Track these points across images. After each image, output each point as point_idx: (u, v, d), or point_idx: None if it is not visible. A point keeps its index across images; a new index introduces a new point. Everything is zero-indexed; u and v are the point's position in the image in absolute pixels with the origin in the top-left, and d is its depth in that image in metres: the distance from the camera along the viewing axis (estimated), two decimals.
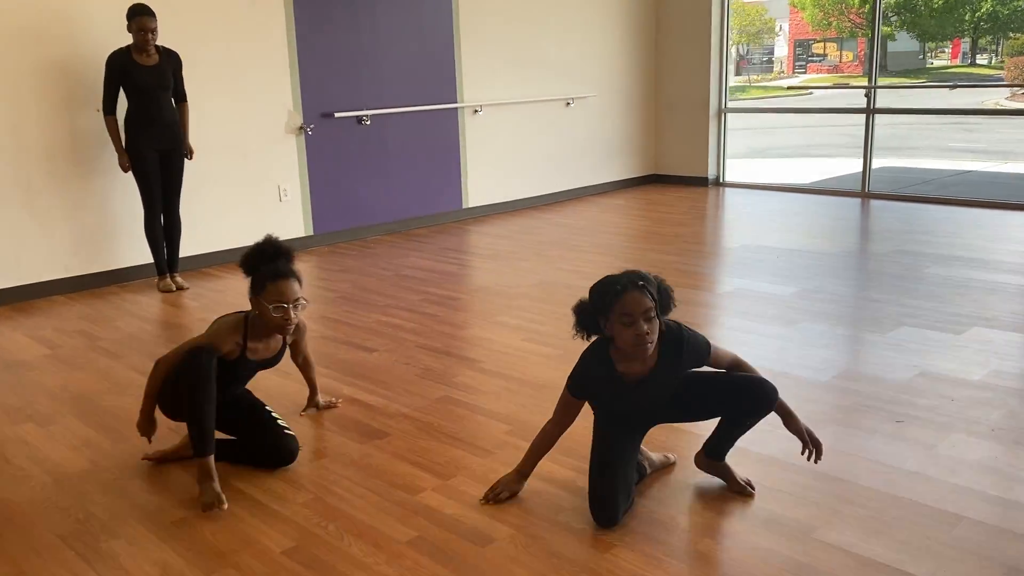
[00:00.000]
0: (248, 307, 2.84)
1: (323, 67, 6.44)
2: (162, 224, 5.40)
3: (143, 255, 5.56)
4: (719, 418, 2.65)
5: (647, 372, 2.44)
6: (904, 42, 35.31)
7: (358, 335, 4.35)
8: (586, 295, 2.44)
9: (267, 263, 2.77)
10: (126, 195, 5.47)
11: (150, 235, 5.35)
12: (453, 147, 7.43)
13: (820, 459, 2.55)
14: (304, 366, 3.27)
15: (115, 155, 5.27)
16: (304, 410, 3.35)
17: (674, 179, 9.20)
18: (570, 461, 2.84)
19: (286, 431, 2.94)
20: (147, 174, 5.23)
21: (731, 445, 2.66)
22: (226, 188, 6.05)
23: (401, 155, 7.06)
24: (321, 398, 3.40)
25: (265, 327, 2.81)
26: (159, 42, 5.18)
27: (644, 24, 8.86)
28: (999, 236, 6.23)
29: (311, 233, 6.60)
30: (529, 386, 3.58)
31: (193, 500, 2.68)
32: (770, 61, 43.98)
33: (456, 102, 7.36)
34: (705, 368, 2.55)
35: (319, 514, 2.60)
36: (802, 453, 2.55)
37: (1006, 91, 23.75)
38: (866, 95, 7.81)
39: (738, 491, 2.64)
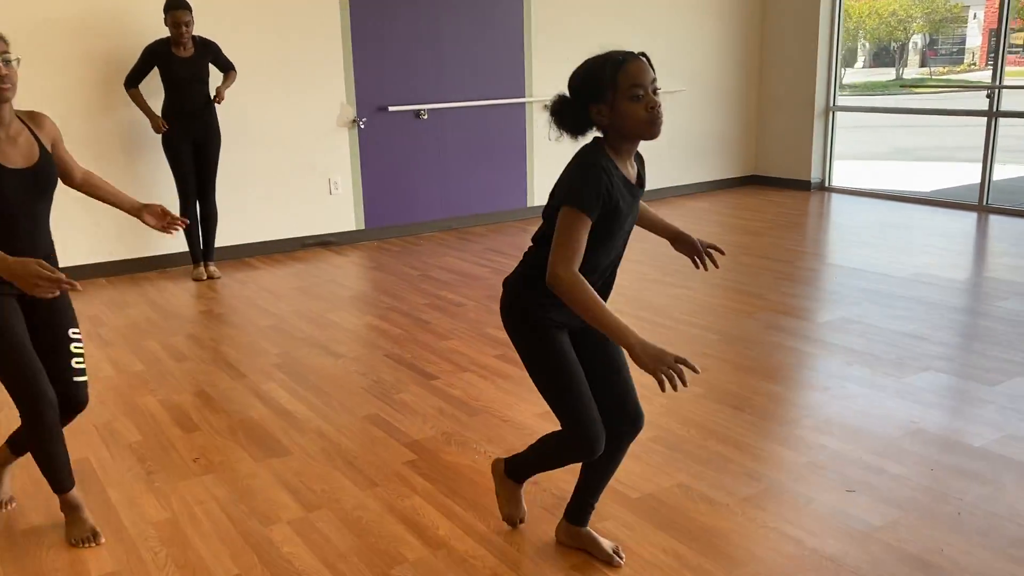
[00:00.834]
0: None
1: (379, 59, 6.37)
2: (198, 214, 5.52)
3: (183, 243, 5.71)
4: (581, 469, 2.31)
5: (636, 179, 2.07)
6: None
7: (336, 338, 4.24)
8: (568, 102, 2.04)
9: None
10: (169, 185, 5.62)
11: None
12: (519, 143, 7.19)
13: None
14: (92, 185, 2.66)
15: (157, 144, 5.43)
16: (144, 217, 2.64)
17: (775, 181, 8.53)
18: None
19: (76, 378, 2.49)
20: (181, 164, 5.35)
21: (594, 500, 2.33)
22: (275, 180, 6.11)
23: (460, 151, 6.90)
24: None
25: None
26: (198, 32, 5.31)
27: (747, 15, 8.23)
28: None
29: (362, 227, 6.57)
30: (467, 411, 3.34)
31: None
32: (960, 52, 40.52)
33: (524, 96, 7.11)
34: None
35: (161, 537, 2.50)
36: (698, 267, 2.32)
37: None
38: (988, 96, 6.88)
39: (606, 560, 2.31)
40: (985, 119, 6.97)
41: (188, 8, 5.14)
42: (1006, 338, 3.95)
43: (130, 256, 5.71)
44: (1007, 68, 6.94)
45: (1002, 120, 6.93)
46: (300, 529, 2.52)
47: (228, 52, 5.52)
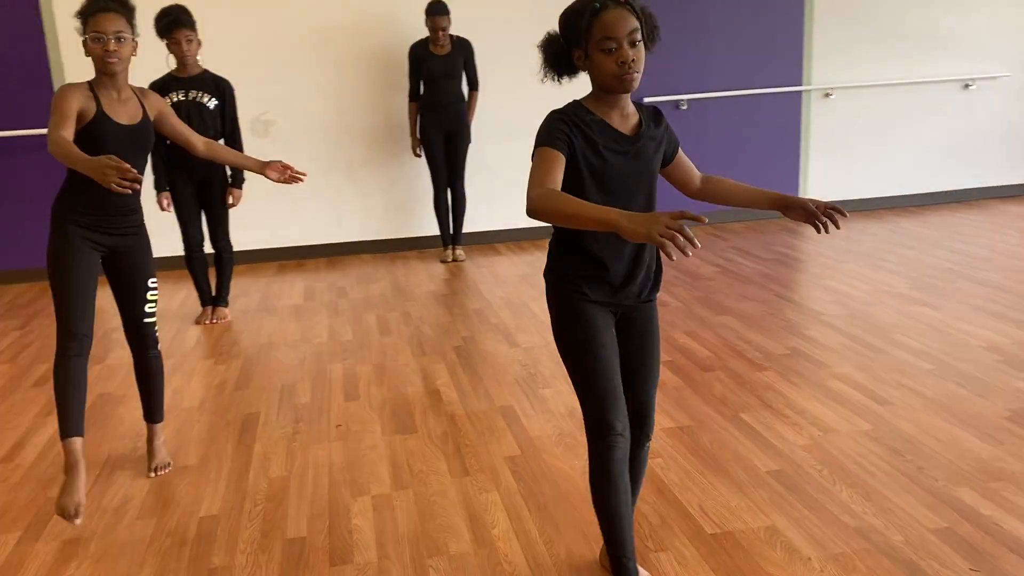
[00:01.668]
0: None
1: None
2: (448, 200, 5.93)
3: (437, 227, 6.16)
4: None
5: (633, 132, 1.97)
6: None
7: (522, 327, 4.33)
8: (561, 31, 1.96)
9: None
10: (423, 172, 6.09)
11: (436, 209, 5.93)
12: (791, 135, 6.68)
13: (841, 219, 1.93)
14: (215, 152, 3.08)
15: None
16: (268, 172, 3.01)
17: None
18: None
19: (147, 319, 2.90)
20: (433, 154, 5.79)
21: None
22: (526, 169, 6.33)
23: (722, 143, 6.57)
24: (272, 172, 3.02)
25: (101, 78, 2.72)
26: (465, 31, 5.73)
27: None
28: None
29: None
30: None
31: None
32: None
33: (800, 85, 6.58)
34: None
35: (268, 492, 2.81)
36: (820, 231, 1.97)
37: None
38: None
39: None
40: None
41: (446, 13, 5.53)
42: None
43: (394, 236, 6.31)
44: None
45: None
46: (378, 505, 2.68)
47: (491, 46, 5.85)
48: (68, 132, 2.58)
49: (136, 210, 2.86)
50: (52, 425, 3.15)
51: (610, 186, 1.93)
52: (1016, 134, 7.01)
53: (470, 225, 6.20)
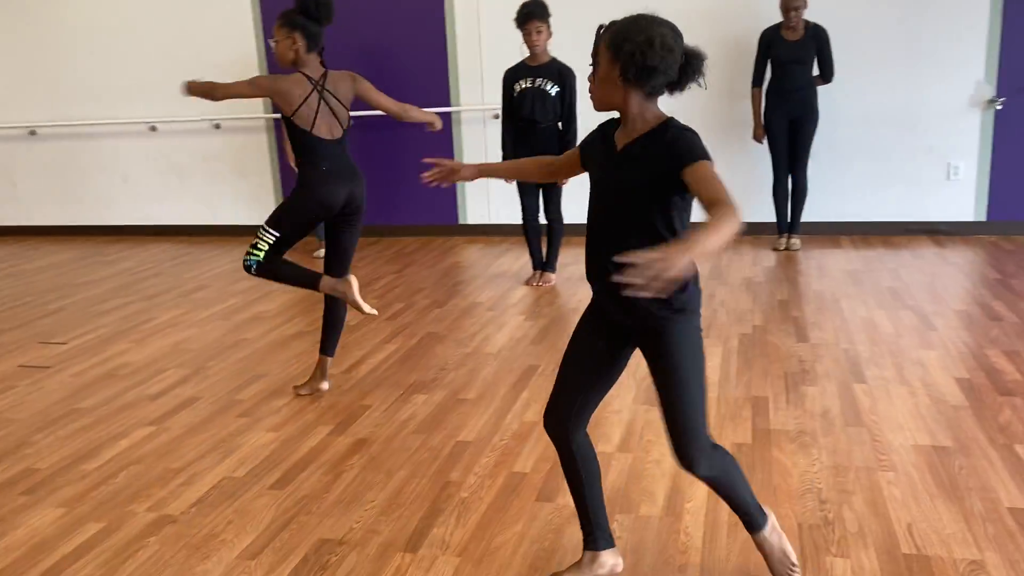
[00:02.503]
0: None
1: None
2: (788, 188, 5.81)
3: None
4: None
5: (622, 147, 1.98)
6: None
7: (819, 320, 4.20)
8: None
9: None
10: (764, 157, 6.00)
11: (775, 196, 5.85)
12: None
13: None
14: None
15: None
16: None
17: None
18: None
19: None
20: (775, 140, 5.71)
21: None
22: (881, 161, 5.95)
23: None
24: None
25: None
26: (809, 18, 5.52)
27: None
28: None
29: (982, 219, 5.89)
30: (843, 421, 3.14)
31: None
32: None
33: None
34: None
35: (431, 448, 3.21)
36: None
37: None
38: None
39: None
40: None
41: None
42: None
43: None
44: None
45: None
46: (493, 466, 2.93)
47: (852, 32, 5.60)
48: None
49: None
50: (388, 350, 4.03)
51: (593, 198, 2.03)
52: None
53: (815, 215, 6.01)
